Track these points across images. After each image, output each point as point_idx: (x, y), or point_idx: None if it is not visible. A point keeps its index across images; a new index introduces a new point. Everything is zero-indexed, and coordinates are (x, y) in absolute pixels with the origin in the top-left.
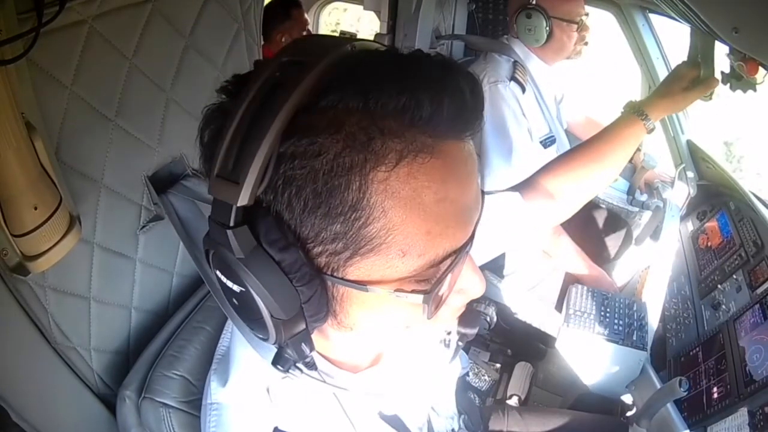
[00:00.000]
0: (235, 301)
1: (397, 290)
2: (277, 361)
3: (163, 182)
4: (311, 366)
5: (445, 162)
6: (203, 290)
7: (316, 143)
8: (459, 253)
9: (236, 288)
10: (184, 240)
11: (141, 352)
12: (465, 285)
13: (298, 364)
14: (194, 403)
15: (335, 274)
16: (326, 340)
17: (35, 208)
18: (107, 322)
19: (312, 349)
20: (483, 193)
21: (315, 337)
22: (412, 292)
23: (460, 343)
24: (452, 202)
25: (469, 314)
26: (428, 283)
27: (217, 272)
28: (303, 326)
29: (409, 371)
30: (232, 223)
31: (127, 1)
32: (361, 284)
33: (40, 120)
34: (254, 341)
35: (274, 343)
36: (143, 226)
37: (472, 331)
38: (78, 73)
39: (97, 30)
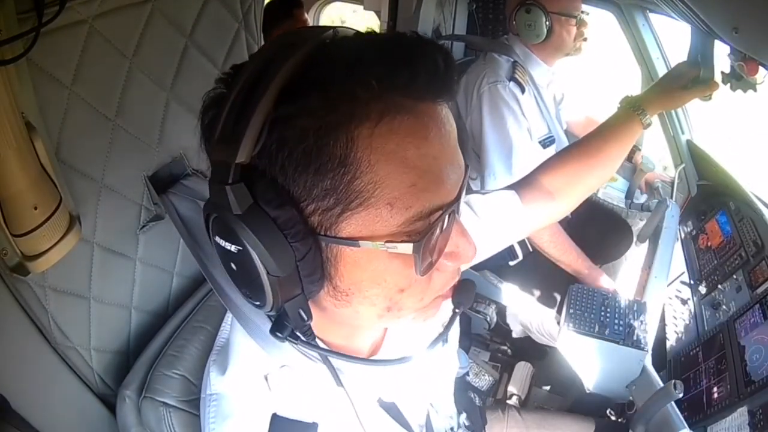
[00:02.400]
0: (232, 265)
1: (387, 242)
2: (275, 329)
3: (163, 182)
4: (309, 335)
5: (424, 121)
6: (203, 290)
7: (305, 107)
8: (445, 209)
9: (234, 248)
10: (186, 238)
11: (141, 352)
12: (455, 248)
13: (296, 332)
14: (194, 402)
15: (328, 232)
16: (325, 319)
17: (35, 208)
18: (107, 322)
19: (310, 317)
20: (467, 165)
21: (314, 315)
22: (402, 242)
23: (456, 311)
24: (434, 158)
25: (463, 284)
26: (418, 236)
27: (216, 238)
28: (299, 290)
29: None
30: (230, 180)
31: (127, 1)
32: (352, 240)
33: (40, 120)
34: (252, 329)
35: (270, 309)
36: (143, 226)
37: (466, 300)
38: (78, 73)
39: (97, 30)
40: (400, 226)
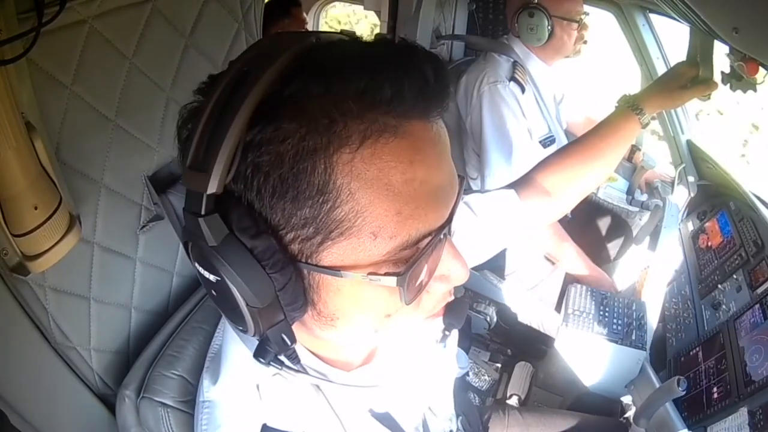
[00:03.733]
0: (213, 292)
1: (370, 273)
2: (258, 354)
3: (163, 182)
4: (294, 359)
5: (411, 142)
6: (203, 290)
7: (280, 129)
8: (435, 235)
9: (212, 278)
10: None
11: (141, 352)
12: (446, 271)
13: (280, 357)
14: (192, 403)
15: (309, 260)
16: (312, 336)
17: (35, 208)
18: (107, 322)
19: (293, 341)
20: (462, 177)
21: (301, 333)
22: (386, 275)
23: (446, 333)
24: (422, 182)
25: (456, 304)
26: (404, 265)
27: (196, 264)
28: (281, 316)
29: (402, 369)
30: (203, 212)
31: (127, 1)
32: (334, 270)
33: (40, 120)
34: (244, 336)
35: (253, 335)
36: (143, 226)
37: (458, 321)
38: (78, 73)
39: (97, 30)
40: (385, 255)
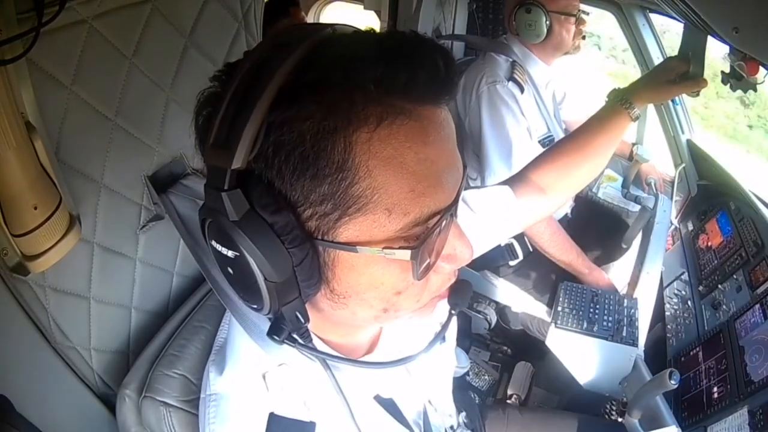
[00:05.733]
0: (229, 269)
1: (385, 248)
2: (272, 332)
3: (163, 182)
4: (306, 337)
5: (423, 125)
6: (203, 290)
7: (302, 110)
8: (444, 213)
9: (231, 254)
10: (185, 237)
11: (141, 352)
12: (452, 250)
13: (293, 335)
14: (195, 402)
15: (325, 237)
16: (322, 319)
17: (35, 208)
18: (107, 322)
19: (307, 319)
20: (465, 165)
21: (311, 315)
22: (400, 248)
23: (453, 312)
24: (433, 162)
25: (460, 285)
26: (415, 242)
27: (213, 242)
28: (296, 294)
29: (404, 354)
30: (226, 186)
31: (127, 1)
32: (350, 245)
33: (40, 120)
34: (250, 328)
35: (268, 313)
36: (143, 226)
37: (463, 301)
38: (78, 73)
39: (97, 30)
40: (398, 231)
